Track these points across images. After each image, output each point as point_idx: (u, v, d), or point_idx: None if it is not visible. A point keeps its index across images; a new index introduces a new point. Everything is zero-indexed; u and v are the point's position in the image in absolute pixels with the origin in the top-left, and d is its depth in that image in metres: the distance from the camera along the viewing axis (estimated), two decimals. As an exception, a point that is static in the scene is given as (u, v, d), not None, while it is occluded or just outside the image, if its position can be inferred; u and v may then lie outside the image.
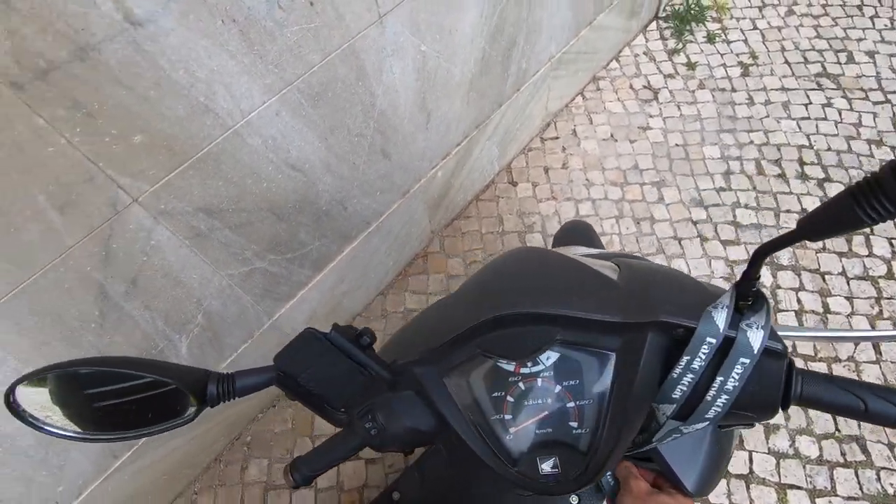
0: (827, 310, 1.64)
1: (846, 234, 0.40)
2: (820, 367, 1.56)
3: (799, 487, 1.40)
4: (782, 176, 1.91)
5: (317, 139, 1.15)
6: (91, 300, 0.94)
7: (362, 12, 1.05)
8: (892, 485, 1.39)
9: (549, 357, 0.52)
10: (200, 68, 0.85)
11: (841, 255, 1.73)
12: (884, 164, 0.30)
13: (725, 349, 0.45)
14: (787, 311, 1.66)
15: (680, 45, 2.28)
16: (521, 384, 0.52)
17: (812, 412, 1.51)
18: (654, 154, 2.00)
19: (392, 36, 1.15)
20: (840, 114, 2.03)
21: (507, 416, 0.52)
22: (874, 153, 1.92)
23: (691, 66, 2.21)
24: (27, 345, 0.89)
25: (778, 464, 1.44)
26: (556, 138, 2.07)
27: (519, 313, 0.51)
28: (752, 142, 1.99)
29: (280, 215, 1.19)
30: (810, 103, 2.07)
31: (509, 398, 0.52)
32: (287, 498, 1.48)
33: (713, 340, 0.44)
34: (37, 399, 0.47)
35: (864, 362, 1.56)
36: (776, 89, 2.12)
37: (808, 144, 1.97)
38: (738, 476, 1.43)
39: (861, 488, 1.39)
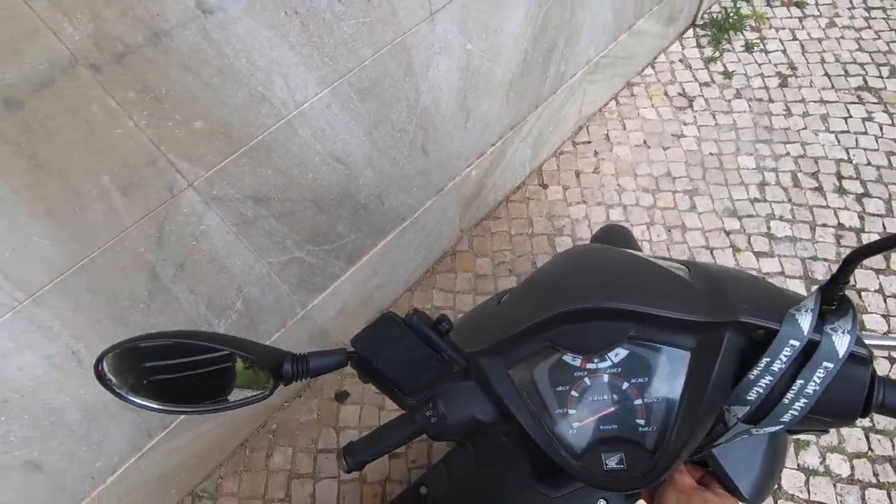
0: (862, 327, 1.61)
1: None
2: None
3: (829, 506, 1.38)
4: (819, 189, 1.88)
5: (362, 133, 1.16)
6: (142, 281, 0.96)
7: (416, 8, 1.06)
8: (926, 508, 1.36)
9: (618, 353, 0.52)
10: (261, 58, 0.87)
11: (879, 272, 1.69)
12: None
13: (805, 353, 0.44)
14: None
15: (717, 54, 2.26)
16: (586, 379, 0.52)
17: (845, 429, 1.48)
18: (687, 162, 1.98)
19: (441, 33, 1.16)
20: (881, 128, 1.99)
21: (571, 411, 0.52)
22: (916, 170, 1.89)
23: (728, 74, 2.19)
24: (82, 321, 0.91)
25: (807, 481, 1.41)
26: (589, 142, 2.06)
27: (591, 308, 0.51)
28: (788, 153, 1.97)
29: (321, 207, 1.20)
30: (850, 117, 2.03)
31: (574, 393, 0.52)
32: (311, 488, 1.50)
33: (796, 343, 0.44)
34: (120, 369, 0.48)
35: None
36: (815, 101, 2.08)
37: (846, 158, 1.93)
38: (767, 491, 1.41)
39: (893, 510, 1.36)
